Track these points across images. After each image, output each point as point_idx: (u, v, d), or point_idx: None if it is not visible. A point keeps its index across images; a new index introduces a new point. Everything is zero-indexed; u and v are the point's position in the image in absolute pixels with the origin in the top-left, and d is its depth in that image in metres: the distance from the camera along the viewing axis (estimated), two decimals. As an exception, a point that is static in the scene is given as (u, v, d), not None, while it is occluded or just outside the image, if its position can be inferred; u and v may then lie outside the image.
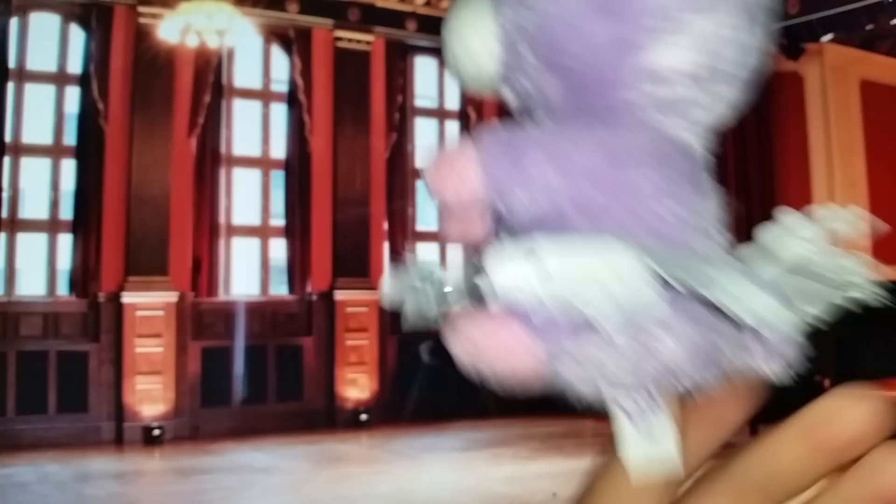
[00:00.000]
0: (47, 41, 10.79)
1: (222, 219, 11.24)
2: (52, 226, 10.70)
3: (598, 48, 0.64)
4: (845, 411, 0.41)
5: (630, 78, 0.64)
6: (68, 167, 10.66)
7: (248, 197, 11.97)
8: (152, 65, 10.37)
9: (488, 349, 0.58)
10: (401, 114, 12.38)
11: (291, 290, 11.63)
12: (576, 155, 0.64)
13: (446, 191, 0.64)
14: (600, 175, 0.65)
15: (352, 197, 11.73)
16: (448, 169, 0.64)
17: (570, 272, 0.59)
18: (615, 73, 0.63)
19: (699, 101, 0.65)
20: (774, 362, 0.63)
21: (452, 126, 13.05)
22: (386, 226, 12.17)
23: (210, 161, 11.11)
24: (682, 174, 0.68)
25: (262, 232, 11.87)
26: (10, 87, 10.27)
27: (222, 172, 11.30)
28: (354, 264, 11.64)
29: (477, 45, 0.68)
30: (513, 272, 0.59)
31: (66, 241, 10.59)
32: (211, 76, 10.95)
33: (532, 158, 0.64)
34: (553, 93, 0.66)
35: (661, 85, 0.64)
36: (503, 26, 0.66)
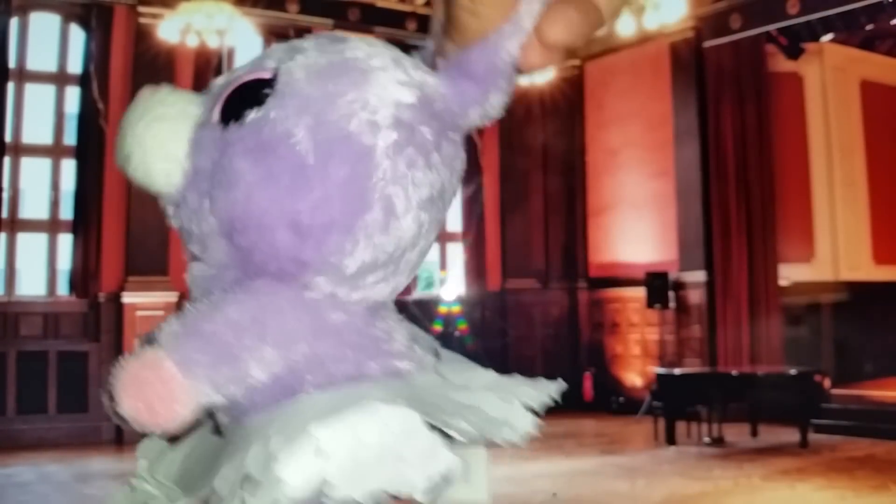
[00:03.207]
0: (47, 41, 10.79)
1: (222, 219, 11.24)
2: (52, 226, 10.70)
3: (280, 251, 0.65)
4: None
5: (301, 273, 0.66)
6: (68, 167, 10.66)
7: (248, 197, 11.96)
8: (152, 65, 10.36)
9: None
10: (401, 114, 12.37)
11: (291, 290, 11.63)
12: (283, 321, 0.64)
13: (158, 421, 0.57)
14: (316, 332, 0.66)
15: (352, 197, 11.73)
16: (151, 396, 0.57)
17: (366, 460, 0.58)
18: (291, 268, 0.66)
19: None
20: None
21: (452, 126, 13.03)
22: (386, 226, 12.16)
23: (210, 161, 11.11)
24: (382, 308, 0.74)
25: (262, 232, 11.86)
26: (10, 87, 10.26)
27: (222, 172, 11.29)
28: (354, 264, 11.63)
29: (158, 165, 0.67)
30: (308, 475, 0.57)
31: (66, 241, 10.59)
32: (211, 76, 10.94)
33: (246, 345, 0.62)
34: (223, 254, 0.66)
35: (333, 282, 0.68)
36: (194, 169, 0.65)
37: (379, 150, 0.68)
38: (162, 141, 0.65)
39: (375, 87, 0.66)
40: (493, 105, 0.77)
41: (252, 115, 0.65)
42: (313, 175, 0.65)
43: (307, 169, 0.65)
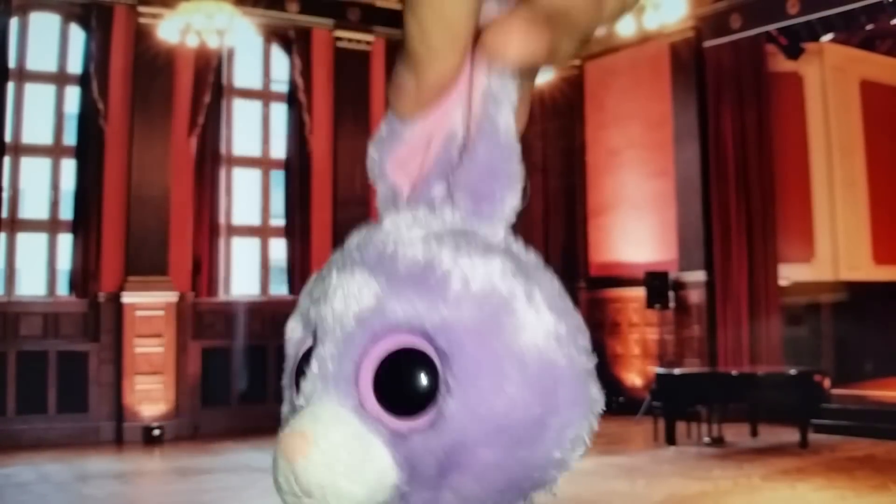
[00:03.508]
0: (47, 41, 10.79)
1: (222, 219, 11.23)
2: (52, 226, 10.70)
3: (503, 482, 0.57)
4: None
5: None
6: (68, 167, 10.66)
7: (248, 197, 11.96)
8: (152, 65, 10.37)
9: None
10: (401, 114, 12.36)
11: (291, 290, 11.63)
12: None
13: None
14: None
15: (352, 197, 11.72)
16: None
17: None
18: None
19: None
20: None
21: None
22: (386, 226, 12.14)
23: (210, 161, 11.11)
24: None
25: (262, 232, 11.86)
26: (10, 87, 10.27)
27: (222, 172, 11.29)
28: (354, 264, 11.62)
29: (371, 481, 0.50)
30: None
31: (66, 241, 10.59)
32: (211, 76, 10.94)
33: None
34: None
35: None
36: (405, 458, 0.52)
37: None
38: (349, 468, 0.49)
39: (469, 259, 0.57)
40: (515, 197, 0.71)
41: (427, 383, 0.52)
42: (538, 416, 0.57)
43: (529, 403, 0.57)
